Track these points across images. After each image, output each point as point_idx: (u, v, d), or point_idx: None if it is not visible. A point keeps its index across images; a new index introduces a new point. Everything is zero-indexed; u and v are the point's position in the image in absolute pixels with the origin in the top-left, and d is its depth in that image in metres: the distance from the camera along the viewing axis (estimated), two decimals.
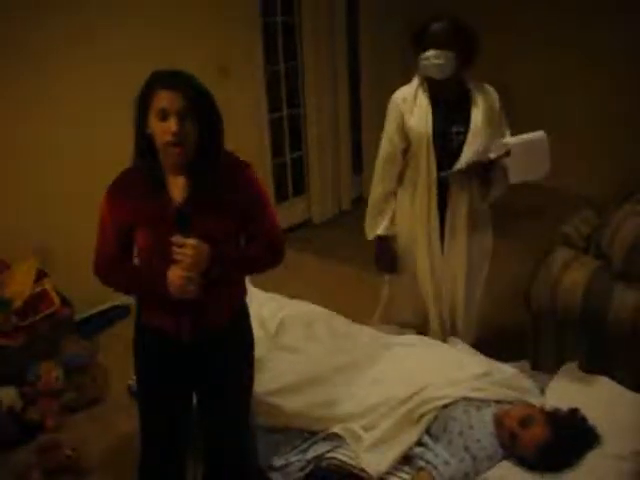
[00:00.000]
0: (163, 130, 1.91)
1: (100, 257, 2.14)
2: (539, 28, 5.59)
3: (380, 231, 3.08)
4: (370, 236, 3.14)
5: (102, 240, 2.12)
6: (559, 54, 5.56)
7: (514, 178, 2.90)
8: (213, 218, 2.02)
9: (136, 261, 2.15)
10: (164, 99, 1.91)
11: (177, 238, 1.95)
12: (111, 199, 2.07)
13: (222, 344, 2.18)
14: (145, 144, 1.99)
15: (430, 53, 2.79)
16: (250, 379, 2.34)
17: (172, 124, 1.90)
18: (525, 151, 2.85)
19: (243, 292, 2.25)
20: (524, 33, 5.64)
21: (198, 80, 1.98)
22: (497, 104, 2.98)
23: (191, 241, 1.94)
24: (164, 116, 1.91)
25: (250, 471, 2.40)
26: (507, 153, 2.83)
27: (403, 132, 2.94)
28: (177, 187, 2.03)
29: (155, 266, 2.02)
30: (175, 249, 1.95)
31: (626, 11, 5.04)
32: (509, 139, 2.89)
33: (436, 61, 2.79)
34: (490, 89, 3.00)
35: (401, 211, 3.08)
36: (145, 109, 1.94)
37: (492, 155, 2.86)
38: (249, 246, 2.16)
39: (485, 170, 2.92)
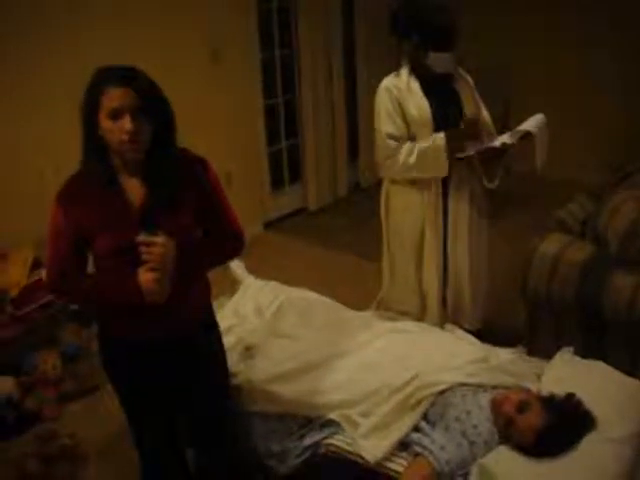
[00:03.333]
0: (117, 129, 1.83)
1: (55, 270, 2.03)
2: (538, 22, 5.61)
3: (445, 168, 2.96)
4: (445, 171, 2.98)
5: (56, 251, 2.01)
6: (558, 45, 5.58)
7: (540, 162, 2.93)
8: (174, 216, 1.97)
9: (92, 269, 2.06)
10: (116, 97, 1.81)
11: (143, 237, 1.88)
12: (65, 206, 1.96)
13: (192, 344, 2.15)
14: (96, 146, 1.90)
15: (441, 55, 2.88)
16: (225, 375, 2.34)
17: (126, 122, 1.81)
18: (541, 135, 2.90)
19: (208, 289, 2.22)
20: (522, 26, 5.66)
21: (148, 75, 1.90)
22: (472, 81, 3.10)
23: (159, 239, 1.89)
24: (117, 115, 1.82)
25: (242, 462, 2.41)
26: (522, 138, 2.88)
27: (403, 117, 2.96)
28: (133, 188, 1.97)
29: (120, 271, 1.95)
30: (143, 248, 1.89)
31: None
32: (526, 126, 2.91)
33: (446, 61, 2.91)
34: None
35: (407, 198, 3.10)
36: (94, 109, 1.85)
37: (508, 141, 2.87)
38: (210, 239, 2.12)
39: (498, 155, 2.96)
